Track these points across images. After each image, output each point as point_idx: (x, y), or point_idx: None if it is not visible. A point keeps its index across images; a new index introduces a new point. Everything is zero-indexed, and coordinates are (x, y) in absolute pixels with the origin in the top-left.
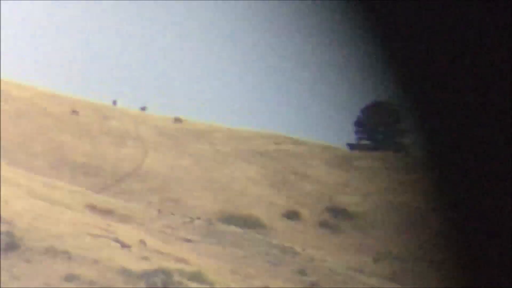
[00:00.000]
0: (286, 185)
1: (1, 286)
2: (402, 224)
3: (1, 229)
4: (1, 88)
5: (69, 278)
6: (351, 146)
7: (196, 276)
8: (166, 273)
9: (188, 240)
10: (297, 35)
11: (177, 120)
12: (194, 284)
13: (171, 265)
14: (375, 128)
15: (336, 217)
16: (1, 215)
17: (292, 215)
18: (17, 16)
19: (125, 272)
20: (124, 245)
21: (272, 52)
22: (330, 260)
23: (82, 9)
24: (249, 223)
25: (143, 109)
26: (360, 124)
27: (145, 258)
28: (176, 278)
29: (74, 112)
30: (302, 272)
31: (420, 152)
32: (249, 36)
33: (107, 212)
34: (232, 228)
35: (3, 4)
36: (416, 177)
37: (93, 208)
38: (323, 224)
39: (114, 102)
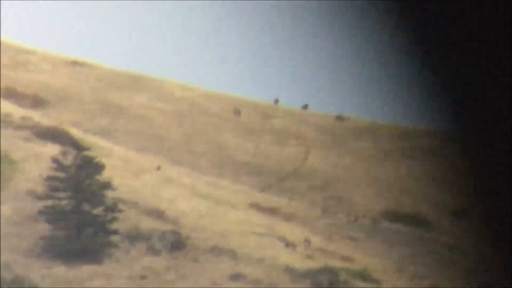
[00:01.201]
0: (453, 182)
1: (168, 286)
2: None
3: (167, 229)
4: (165, 90)
5: (235, 277)
6: None
7: (362, 275)
8: (332, 272)
9: (353, 239)
10: None
11: (339, 118)
12: (360, 283)
13: (336, 263)
14: None
15: None
16: (167, 215)
17: (459, 213)
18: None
19: (291, 271)
20: (289, 244)
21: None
22: None
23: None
24: (415, 221)
25: (305, 107)
26: None
27: (310, 257)
28: (342, 277)
29: (236, 111)
30: (467, 271)
31: None
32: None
33: (271, 211)
34: (398, 226)
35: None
36: None
37: (257, 207)
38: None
39: (276, 101)
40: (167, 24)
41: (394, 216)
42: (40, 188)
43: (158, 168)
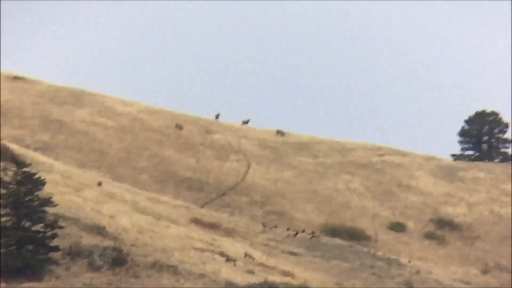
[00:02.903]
0: (391, 196)
1: None
2: (509, 235)
3: (108, 245)
4: (106, 105)
5: None
6: (456, 157)
7: None
8: (272, 286)
9: (293, 253)
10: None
11: (279, 133)
12: None
13: (276, 278)
14: (480, 138)
15: (442, 228)
16: (107, 231)
17: (397, 227)
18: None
19: (231, 286)
20: (229, 259)
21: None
22: (437, 271)
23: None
24: (353, 235)
25: (245, 122)
26: (464, 134)
27: (250, 272)
28: None
29: (178, 126)
30: (408, 284)
31: None
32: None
33: (211, 226)
34: (337, 240)
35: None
36: None
37: (198, 222)
38: (429, 236)
39: (217, 116)
40: (108, 38)
41: (333, 231)
42: None
43: (99, 183)
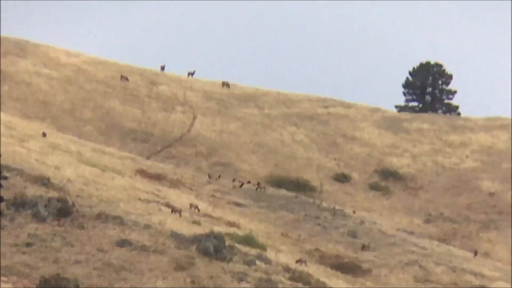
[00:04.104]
0: (336, 148)
1: (54, 253)
2: (452, 185)
3: (53, 196)
4: (50, 56)
5: (121, 243)
6: (400, 108)
7: (247, 240)
8: (218, 237)
9: (239, 204)
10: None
11: (225, 84)
12: (245, 248)
13: (222, 229)
14: (424, 90)
15: (386, 179)
16: (52, 182)
17: (342, 178)
18: None
19: (177, 237)
20: (175, 210)
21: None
22: (381, 222)
23: None
24: (299, 186)
25: (191, 74)
26: (408, 86)
27: (196, 223)
28: (228, 242)
29: (123, 78)
30: (353, 234)
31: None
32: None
33: (157, 177)
34: (282, 192)
35: None
36: (466, 138)
37: (143, 173)
38: (373, 187)
39: (162, 68)
40: None
41: (279, 182)
42: None
43: (44, 134)
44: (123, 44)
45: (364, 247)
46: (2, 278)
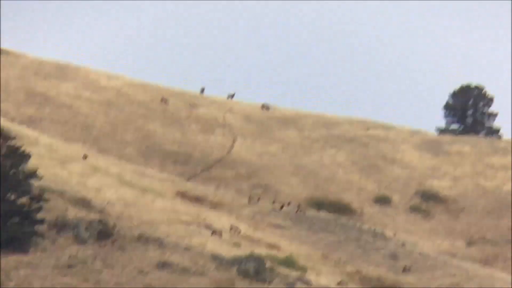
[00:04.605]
0: (376, 170)
1: (95, 275)
2: (494, 208)
3: (94, 218)
4: (91, 78)
5: (162, 265)
6: (440, 131)
7: (288, 262)
8: (258, 259)
9: (279, 226)
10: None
11: (265, 107)
12: (286, 270)
13: (262, 251)
14: (464, 112)
15: (427, 201)
16: (93, 204)
17: (382, 200)
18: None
19: (217, 259)
20: (215, 232)
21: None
22: (422, 244)
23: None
24: (339, 208)
25: (231, 96)
26: (449, 108)
27: (236, 245)
28: (268, 264)
29: (163, 100)
30: (393, 257)
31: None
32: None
33: (197, 199)
34: (322, 214)
35: None
36: (507, 160)
37: (183, 195)
38: (414, 209)
39: (202, 90)
40: (94, 11)
41: (319, 204)
42: None
43: (85, 157)
44: (163, 66)
45: (405, 269)
46: None
